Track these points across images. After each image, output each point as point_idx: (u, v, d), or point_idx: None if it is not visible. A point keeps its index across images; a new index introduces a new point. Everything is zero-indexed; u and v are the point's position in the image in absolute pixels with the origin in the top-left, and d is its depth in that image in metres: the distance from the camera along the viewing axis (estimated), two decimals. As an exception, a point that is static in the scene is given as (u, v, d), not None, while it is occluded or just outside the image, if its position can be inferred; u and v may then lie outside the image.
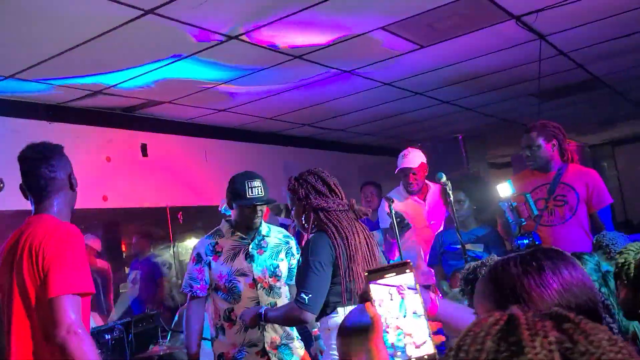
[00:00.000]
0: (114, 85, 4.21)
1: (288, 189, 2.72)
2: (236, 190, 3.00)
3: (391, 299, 1.03)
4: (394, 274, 1.04)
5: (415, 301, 1.03)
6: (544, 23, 4.07)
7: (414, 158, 4.15)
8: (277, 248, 3.16)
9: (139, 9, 3.01)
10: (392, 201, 3.34)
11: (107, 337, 3.03)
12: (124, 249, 6.42)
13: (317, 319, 2.57)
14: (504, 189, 3.39)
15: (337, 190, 2.66)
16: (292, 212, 2.76)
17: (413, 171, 4.13)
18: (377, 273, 1.05)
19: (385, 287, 1.04)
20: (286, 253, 3.18)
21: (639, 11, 4.11)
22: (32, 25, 3.08)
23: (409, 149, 4.22)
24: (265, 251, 3.12)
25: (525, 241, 3.53)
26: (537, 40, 4.44)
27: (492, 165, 7.31)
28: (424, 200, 4.24)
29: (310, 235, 2.62)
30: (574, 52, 4.95)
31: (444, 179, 3.25)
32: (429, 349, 1.01)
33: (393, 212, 3.28)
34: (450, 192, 3.24)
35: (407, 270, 1.05)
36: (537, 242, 3.56)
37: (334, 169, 2.86)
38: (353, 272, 2.52)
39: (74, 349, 2.01)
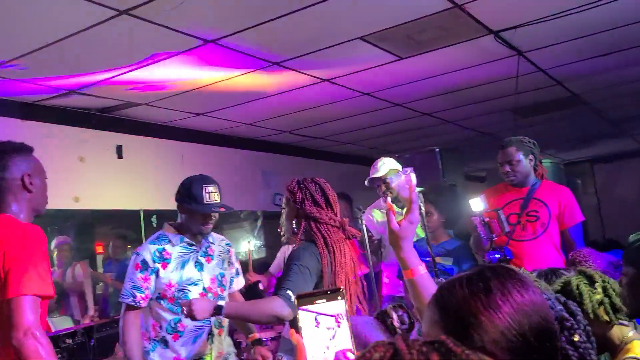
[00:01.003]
0: (88, 86, 4.16)
1: (287, 189, 2.71)
2: (193, 195, 2.87)
3: (317, 326, 1.00)
4: (324, 300, 1.02)
5: (343, 330, 1.00)
6: (522, 39, 4.09)
7: (383, 167, 4.13)
8: (222, 256, 3.09)
9: (114, 9, 2.98)
10: (363, 211, 3.33)
11: (69, 341, 2.96)
12: (96, 250, 6.33)
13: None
14: (477, 204, 3.40)
15: (333, 205, 2.66)
16: (284, 214, 2.73)
17: (383, 180, 4.12)
18: (307, 298, 1.02)
19: (314, 313, 1.01)
20: (229, 262, 3.12)
21: (617, 30, 4.15)
22: (6, 21, 3.03)
23: (381, 158, 4.21)
24: (212, 259, 3.02)
25: (497, 255, 3.54)
26: (515, 56, 4.47)
27: (468, 178, 7.35)
28: (403, 208, 4.23)
29: (299, 244, 2.61)
30: (553, 69, 4.99)
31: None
32: None
33: (363, 223, 3.26)
34: (422, 204, 3.23)
35: (339, 298, 1.02)
36: (508, 257, 3.58)
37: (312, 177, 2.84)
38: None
39: (30, 352, 1.96)
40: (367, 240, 3.21)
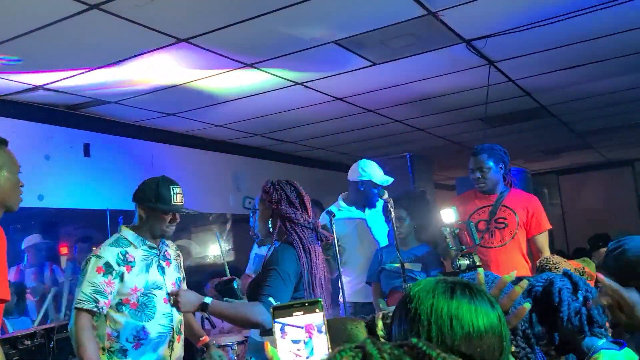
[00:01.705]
0: (56, 82, 4.07)
1: (263, 189, 2.71)
2: (161, 195, 2.78)
3: (295, 339, 0.98)
4: (302, 312, 1.00)
5: (321, 342, 0.99)
6: (494, 49, 4.14)
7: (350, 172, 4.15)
8: (176, 260, 3.04)
9: (84, 3, 2.91)
10: (334, 215, 3.32)
11: (28, 342, 2.87)
12: (60, 251, 6.20)
13: (265, 334, 2.45)
14: (448, 215, 3.41)
15: (307, 207, 2.68)
16: (257, 214, 2.72)
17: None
18: (284, 310, 1.00)
19: (290, 326, 0.99)
20: (180, 266, 3.07)
21: (587, 43, 4.24)
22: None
23: (358, 162, 4.23)
24: (170, 263, 2.97)
25: (466, 262, 3.56)
26: (486, 66, 4.52)
27: (438, 186, 7.42)
28: (364, 210, 4.22)
29: (277, 246, 2.60)
30: (522, 79, 5.07)
31: (385, 195, 3.25)
32: None
33: (334, 227, 3.25)
34: (392, 209, 3.24)
35: (317, 310, 1.00)
36: (476, 264, 3.60)
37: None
38: (312, 290, 2.50)
39: None
40: (336, 245, 3.19)
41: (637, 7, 3.61)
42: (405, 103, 5.48)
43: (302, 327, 0.99)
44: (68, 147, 4.95)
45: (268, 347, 0.98)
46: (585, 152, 9.54)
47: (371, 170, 4.08)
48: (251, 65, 4.08)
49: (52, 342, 2.86)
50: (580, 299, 1.79)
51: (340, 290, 3.47)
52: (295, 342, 0.98)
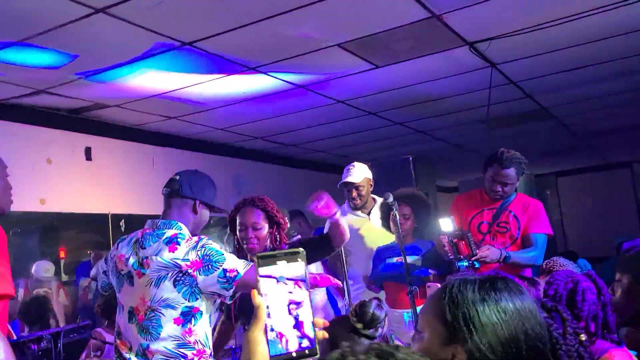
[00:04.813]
0: (59, 85, 4.06)
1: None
2: (213, 194, 2.56)
3: (279, 291, 0.99)
4: (285, 261, 1.00)
5: (302, 295, 0.99)
6: (496, 51, 4.16)
7: (357, 173, 4.13)
8: None
9: (90, 7, 2.91)
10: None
11: (34, 347, 2.86)
12: (60, 255, 6.18)
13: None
14: (446, 224, 3.37)
15: None
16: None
17: (355, 186, 4.11)
18: (268, 259, 1.00)
19: (274, 278, 0.99)
20: None
21: (589, 46, 4.25)
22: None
23: (354, 163, 4.21)
24: None
25: (465, 263, 3.53)
26: (488, 68, 4.53)
27: (440, 189, 7.43)
28: (369, 214, 4.22)
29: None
30: (524, 81, 5.08)
31: (390, 199, 3.23)
32: (313, 344, 0.97)
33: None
34: (397, 213, 3.23)
35: (299, 260, 1.01)
36: (476, 266, 3.58)
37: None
38: None
39: None
40: (342, 248, 3.18)
41: (638, 10, 3.62)
42: (406, 105, 5.48)
43: (291, 279, 0.99)
44: (69, 151, 4.95)
45: (255, 295, 0.98)
46: (585, 154, 9.56)
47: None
48: (254, 69, 4.08)
49: (59, 347, 2.84)
50: (601, 303, 1.79)
51: (346, 292, 3.46)
52: (278, 290, 0.99)
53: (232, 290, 2.22)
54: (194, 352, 2.28)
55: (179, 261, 2.24)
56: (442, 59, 4.23)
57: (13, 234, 5.03)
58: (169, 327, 2.25)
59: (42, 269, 5.02)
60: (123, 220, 5.31)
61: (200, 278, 2.23)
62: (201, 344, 2.30)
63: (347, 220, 4.10)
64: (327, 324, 1.03)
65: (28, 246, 5.69)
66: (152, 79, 4.11)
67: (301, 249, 1.02)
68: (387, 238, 3.88)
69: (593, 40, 4.15)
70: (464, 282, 1.16)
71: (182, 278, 2.24)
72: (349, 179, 4.09)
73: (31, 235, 5.42)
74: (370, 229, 4.09)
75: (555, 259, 2.75)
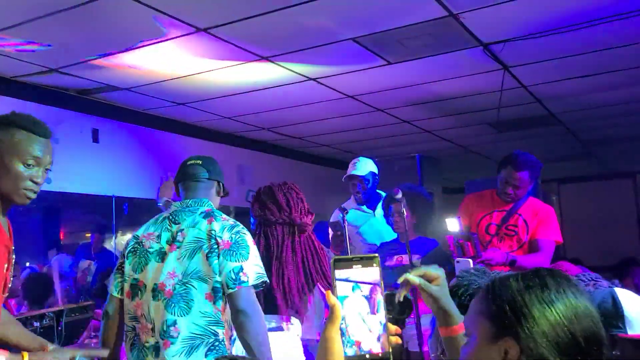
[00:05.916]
0: (72, 65, 4.06)
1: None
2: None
3: (354, 292, 1.00)
4: (360, 265, 1.02)
5: (377, 299, 1.01)
6: (509, 54, 4.15)
7: (362, 166, 4.13)
8: None
9: (107, -13, 2.91)
10: (346, 212, 3.32)
11: (36, 324, 2.86)
12: (61, 236, 6.18)
13: None
14: (453, 225, 3.36)
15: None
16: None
17: (360, 179, 4.11)
18: (344, 262, 1.02)
19: (349, 282, 1.01)
20: None
21: (602, 53, 4.25)
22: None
23: (360, 157, 4.21)
24: None
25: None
26: (500, 70, 4.53)
27: (445, 190, 7.42)
28: (374, 210, 4.22)
29: None
30: (534, 86, 5.08)
31: (399, 195, 3.24)
32: (385, 348, 0.99)
33: (345, 224, 3.24)
34: (405, 209, 3.23)
35: (374, 265, 1.02)
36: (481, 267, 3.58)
37: (288, 177, 2.85)
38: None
39: None
40: (347, 242, 3.19)
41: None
42: (416, 104, 5.48)
43: (368, 283, 1.01)
44: (77, 132, 4.94)
45: (329, 295, 0.99)
46: (587, 162, 9.56)
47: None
48: (267, 59, 4.07)
49: (61, 325, 2.85)
50: None
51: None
52: (353, 294, 1.00)
53: (230, 290, 2.23)
54: (224, 331, 2.29)
55: (214, 233, 2.29)
56: (455, 58, 4.22)
57: (15, 212, 5.04)
58: (200, 303, 2.26)
59: (66, 264, 5.10)
60: (127, 204, 5.31)
61: (220, 259, 2.26)
62: (229, 325, 2.31)
63: (351, 216, 4.12)
64: (400, 330, 1.04)
65: (29, 227, 5.70)
66: (164, 64, 4.11)
67: (377, 254, 1.04)
68: (391, 234, 3.89)
69: (607, 47, 4.14)
70: (505, 276, 1.13)
71: (215, 251, 2.27)
72: (355, 172, 4.09)
73: (33, 214, 5.43)
74: (374, 224, 4.10)
75: (560, 264, 2.75)
